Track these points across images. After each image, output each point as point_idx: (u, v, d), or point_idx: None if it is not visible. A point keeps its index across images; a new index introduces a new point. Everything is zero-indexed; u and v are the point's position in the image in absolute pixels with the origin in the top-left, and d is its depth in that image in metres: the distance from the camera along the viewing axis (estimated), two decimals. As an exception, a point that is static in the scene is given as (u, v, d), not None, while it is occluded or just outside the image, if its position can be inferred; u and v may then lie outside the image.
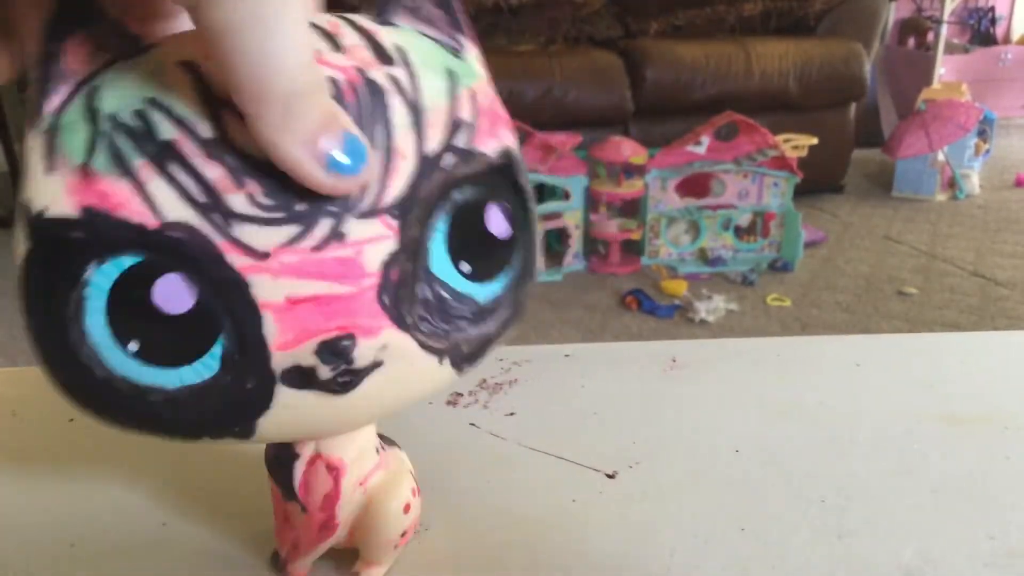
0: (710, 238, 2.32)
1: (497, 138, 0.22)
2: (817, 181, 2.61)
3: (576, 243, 2.29)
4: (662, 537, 0.31)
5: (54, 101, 0.20)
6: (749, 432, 0.38)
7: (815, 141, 2.38)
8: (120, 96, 0.19)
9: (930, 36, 3.64)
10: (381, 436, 0.29)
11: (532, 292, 0.25)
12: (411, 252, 0.21)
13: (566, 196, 2.24)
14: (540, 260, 0.25)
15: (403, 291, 0.21)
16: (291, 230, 0.19)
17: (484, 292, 0.23)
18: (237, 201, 0.19)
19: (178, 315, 0.19)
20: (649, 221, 2.29)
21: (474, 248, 0.23)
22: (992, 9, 4.38)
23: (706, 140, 2.21)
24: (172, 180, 0.19)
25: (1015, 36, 4.44)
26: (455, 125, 0.21)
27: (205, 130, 0.19)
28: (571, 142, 2.20)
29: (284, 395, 0.21)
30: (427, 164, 0.21)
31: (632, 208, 2.28)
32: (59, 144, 0.20)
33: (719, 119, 2.21)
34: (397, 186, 0.20)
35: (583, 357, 0.45)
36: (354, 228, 0.20)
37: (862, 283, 2.20)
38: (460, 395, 0.41)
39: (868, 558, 0.30)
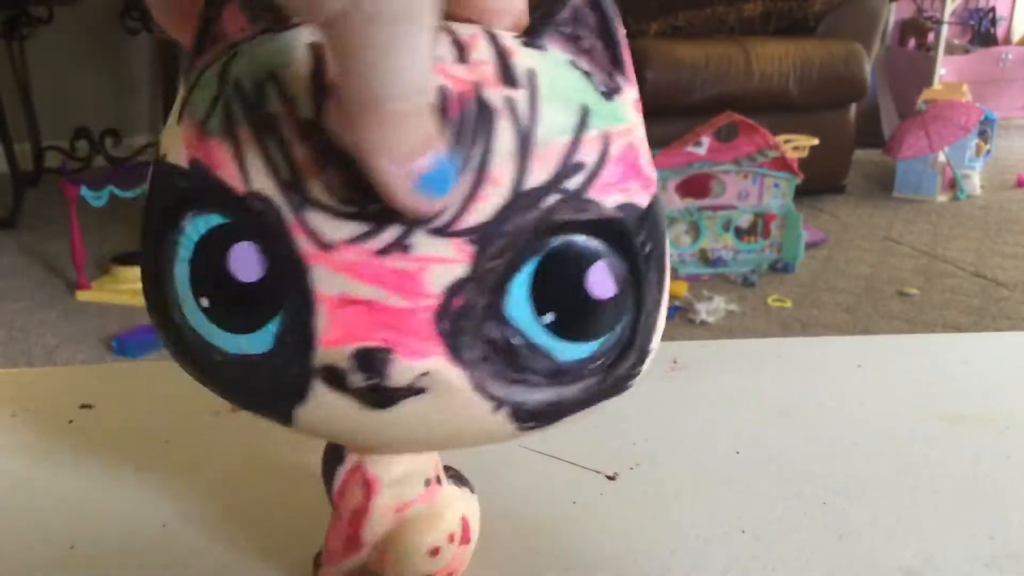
0: (710, 239, 2.32)
1: (624, 191, 0.21)
2: (818, 182, 2.61)
3: (576, 244, 2.28)
4: (662, 538, 0.31)
5: (204, 58, 0.21)
6: (750, 433, 0.38)
7: (815, 142, 2.38)
8: (249, 65, 0.20)
9: (930, 37, 3.64)
10: (452, 472, 0.27)
11: (639, 370, 0.23)
12: (485, 285, 0.20)
13: (566, 197, 2.24)
14: (657, 335, 0.23)
15: (466, 323, 0.20)
16: (358, 227, 0.19)
17: (568, 351, 0.21)
18: (315, 186, 0.19)
19: (246, 283, 0.20)
20: (649, 222, 2.28)
21: (564, 301, 0.21)
22: (992, 10, 4.38)
23: (706, 141, 2.21)
24: (265, 151, 0.19)
25: (1015, 37, 4.44)
26: (571, 166, 0.20)
27: (307, 110, 0.19)
28: (571, 143, 2.20)
29: (320, 392, 0.20)
30: (523, 199, 0.19)
31: (632, 209, 2.28)
32: (192, 98, 0.21)
33: (719, 120, 2.20)
34: (481, 212, 0.19)
35: (583, 358, 0.45)
36: (422, 243, 0.19)
37: (863, 284, 2.20)
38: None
39: (868, 558, 0.30)
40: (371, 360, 0.19)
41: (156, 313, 0.22)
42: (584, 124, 0.20)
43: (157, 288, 0.21)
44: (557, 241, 0.20)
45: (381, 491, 0.25)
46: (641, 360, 0.23)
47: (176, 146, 0.21)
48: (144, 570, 0.30)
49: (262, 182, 0.19)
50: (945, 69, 3.57)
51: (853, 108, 2.81)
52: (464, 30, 0.20)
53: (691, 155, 2.23)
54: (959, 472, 0.35)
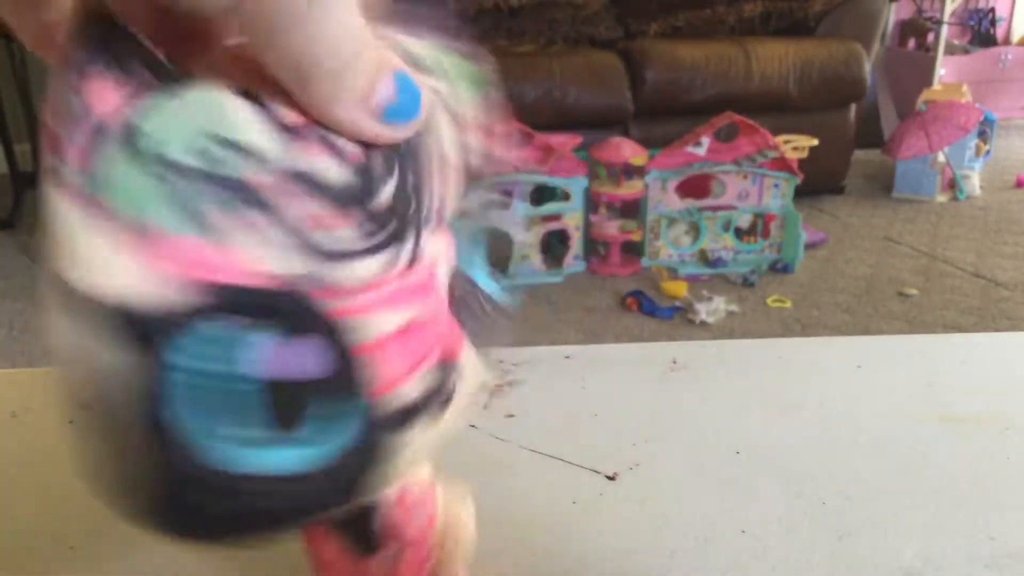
0: (710, 239, 2.32)
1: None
2: (817, 182, 2.61)
3: (576, 244, 2.28)
4: (662, 538, 0.31)
5: (77, 149, 0.16)
6: (749, 433, 0.38)
7: (815, 142, 2.38)
8: (168, 138, 0.16)
9: (930, 37, 3.64)
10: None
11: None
12: (455, 259, 0.21)
13: (566, 197, 2.24)
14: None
15: (458, 298, 0.21)
16: (383, 258, 0.18)
17: (492, 284, 0.23)
18: (327, 237, 0.17)
19: (270, 380, 0.17)
20: (649, 222, 2.29)
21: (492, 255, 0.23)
22: (992, 10, 4.38)
23: (706, 141, 2.21)
24: (251, 226, 0.16)
25: (1015, 37, 4.44)
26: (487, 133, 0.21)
27: (280, 162, 0.16)
28: (571, 143, 2.20)
29: (392, 441, 0.19)
30: (466, 172, 0.21)
31: (632, 209, 2.28)
32: (104, 204, 0.16)
33: (719, 120, 2.21)
34: (454, 198, 0.20)
35: (583, 358, 0.45)
36: (428, 245, 0.19)
37: (862, 284, 2.20)
38: (460, 396, 0.41)
39: (868, 558, 0.30)
40: (438, 381, 0.19)
41: (161, 482, 0.18)
42: (481, 94, 0.22)
43: (135, 457, 0.17)
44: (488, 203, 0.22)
45: (436, 487, 0.25)
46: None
47: (114, 270, 0.16)
48: (144, 570, 0.30)
49: (262, 261, 0.16)
50: (945, 69, 3.57)
51: (853, 108, 2.81)
52: None
53: (691, 155, 2.23)
54: (959, 472, 0.35)
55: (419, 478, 0.24)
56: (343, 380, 0.17)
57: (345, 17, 0.16)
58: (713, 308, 1.99)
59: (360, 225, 0.17)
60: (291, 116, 0.17)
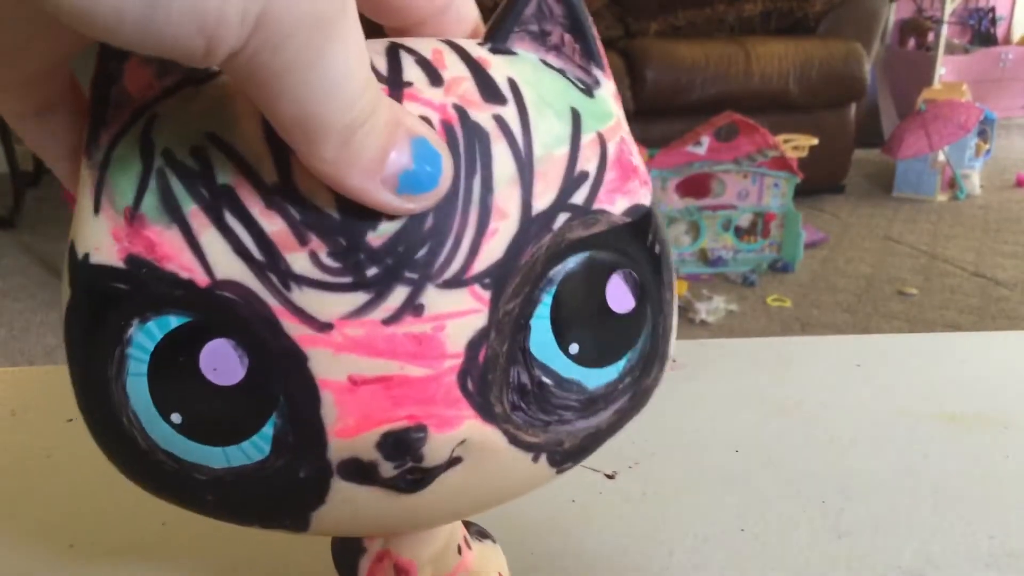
0: (710, 238, 2.32)
1: (628, 194, 0.19)
2: (817, 181, 2.61)
3: (576, 243, 2.28)
4: (662, 537, 0.31)
5: (110, 130, 0.17)
6: (749, 432, 0.38)
7: (815, 141, 2.38)
8: (178, 129, 0.17)
9: (930, 36, 3.64)
10: (475, 528, 0.25)
11: (661, 377, 0.21)
12: (506, 330, 0.17)
13: (566, 196, 2.24)
14: (674, 336, 0.21)
15: (492, 375, 0.18)
16: (359, 298, 0.16)
17: (597, 378, 0.19)
18: (298, 261, 0.16)
19: (227, 387, 0.17)
20: (649, 221, 2.29)
21: (587, 325, 0.18)
22: (992, 9, 4.38)
23: (706, 140, 2.21)
24: (227, 232, 0.16)
25: (1015, 36, 4.44)
26: (574, 178, 0.18)
27: (268, 174, 0.16)
28: (571, 143, 2.20)
29: (341, 489, 0.18)
30: (533, 225, 0.17)
31: (632, 208, 2.28)
32: (109, 181, 0.17)
33: (719, 119, 2.20)
34: (492, 251, 0.17)
35: (583, 357, 0.45)
36: (435, 300, 0.17)
37: (862, 283, 2.20)
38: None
39: (868, 558, 0.30)
40: (404, 443, 0.17)
41: (109, 444, 0.19)
42: (578, 129, 0.18)
43: (104, 415, 0.18)
44: (572, 262, 0.18)
45: (419, 573, 0.23)
46: (663, 367, 0.21)
47: (100, 242, 0.17)
48: (144, 570, 0.30)
49: (232, 269, 0.16)
50: (945, 69, 3.57)
51: (853, 108, 2.81)
52: (423, 45, 0.18)
53: (691, 155, 2.22)
54: (959, 472, 0.35)
55: (409, 551, 0.23)
56: (297, 407, 0.17)
57: (358, 67, 0.15)
58: (713, 307, 1.99)
59: (318, 261, 0.16)
60: None
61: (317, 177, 0.16)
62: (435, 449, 0.17)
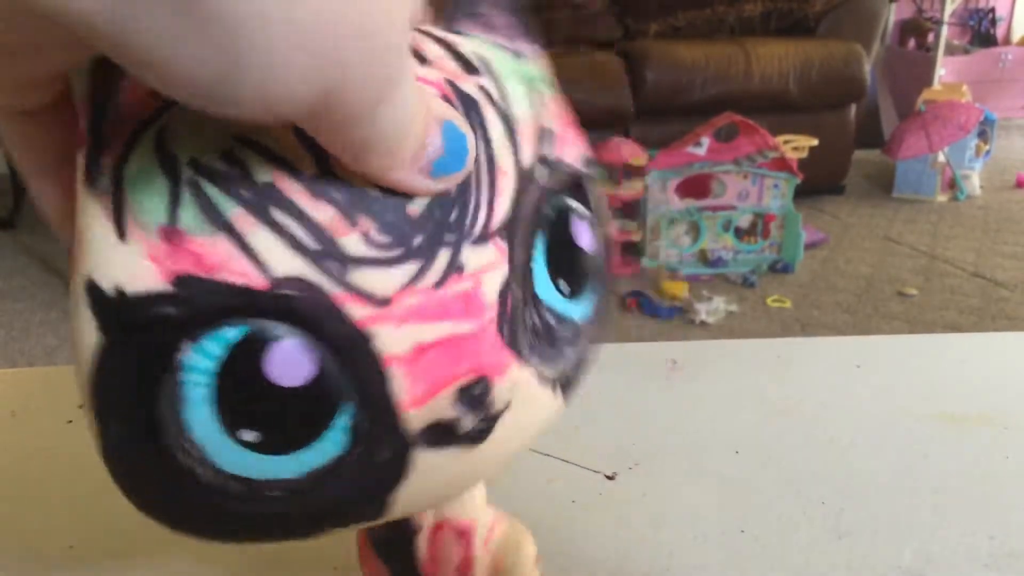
0: (710, 239, 2.32)
1: (576, 144, 0.21)
2: (817, 182, 2.61)
3: (576, 244, 2.28)
4: (662, 537, 0.31)
5: (114, 150, 0.16)
6: (749, 433, 0.38)
7: (815, 142, 2.38)
8: (200, 138, 0.16)
9: (930, 37, 3.64)
10: None
11: (609, 310, 0.23)
12: (518, 276, 0.19)
13: (566, 197, 2.24)
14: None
15: (517, 321, 0.19)
16: (411, 268, 0.17)
17: (580, 311, 0.21)
18: (351, 243, 0.16)
19: (296, 387, 0.16)
20: (649, 222, 2.29)
21: (569, 265, 0.21)
22: (992, 10, 4.38)
23: (706, 141, 2.21)
24: (277, 228, 0.16)
25: (1015, 37, 4.44)
26: (542, 135, 0.20)
27: (307, 166, 0.16)
28: (571, 143, 2.20)
29: (422, 459, 0.18)
30: (524, 179, 0.19)
31: (632, 209, 2.28)
32: (129, 202, 0.16)
33: (719, 120, 2.21)
34: (503, 205, 0.18)
35: (583, 358, 0.45)
36: (471, 256, 0.18)
37: (862, 284, 2.20)
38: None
39: (868, 558, 0.30)
40: (475, 396, 0.18)
41: (160, 495, 0.18)
42: (534, 92, 0.20)
43: (154, 464, 0.17)
44: (549, 210, 0.20)
45: (476, 533, 0.23)
46: (611, 300, 0.23)
47: (134, 270, 0.16)
48: (144, 570, 0.30)
49: (286, 264, 0.16)
50: (945, 69, 3.57)
51: (853, 108, 2.81)
52: None
53: (691, 155, 2.22)
54: (959, 472, 0.35)
55: (464, 512, 0.23)
56: (369, 390, 0.17)
57: (413, 90, 0.15)
58: (713, 308, 1.99)
59: (370, 239, 0.17)
60: None
61: (369, 178, 0.16)
62: (500, 395, 0.18)
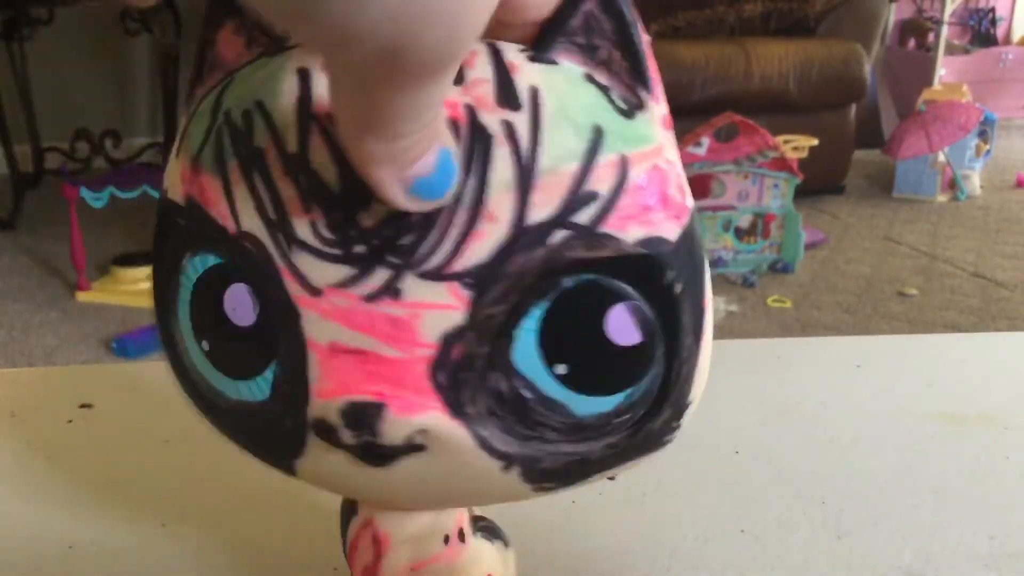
0: (710, 239, 2.32)
1: (647, 224, 0.18)
2: (817, 182, 2.61)
3: (576, 244, 2.28)
4: (662, 538, 0.31)
5: (204, 87, 0.20)
6: (749, 433, 0.38)
7: (815, 142, 2.38)
8: (240, 93, 0.19)
9: (930, 37, 3.64)
10: (484, 524, 0.25)
11: (677, 424, 0.21)
12: (487, 333, 0.18)
13: (566, 197, 2.24)
14: (699, 386, 0.21)
15: (467, 375, 0.18)
16: (345, 271, 0.17)
17: (587, 405, 0.19)
18: (301, 226, 0.17)
19: (241, 327, 0.19)
20: (649, 222, 2.29)
21: (580, 349, 0.18)
22: (992, 10, 4.38)
23: (706, 141, 2.21)
24: (252, 189, 0.18)
25: (1015, 37, 4.44)
26: (582, 197, 0.17)
27: (291, 143, 0.17)
28: (571, 143, 2.20)
29: (315, 445, 0.19)
30: (526, 236, 0.17)
31: (632, 209, 2.28)
32: (189, 131, 0.20)
33: (719, 120, 2.20)
34: (477, 252, 0.17)
35: (583, 358, 0.45)
36: (413, 288, 0.17)
37: (863, 284, 2.20)
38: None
39: (868, 558, 0.30)
40: (361, 415, 0.18)
41: (169, 354, 0.21)
42: (597, 147, 0.18)
43: (168, 329, 0.21)
44: (570, 282, 0.18)
45: (393, 549, 0.23)
46: (678, 415, 0.20)
47: (174, 181, 0.20)
48: (144, 570, 0.30)
49: (251, 222, 0.18)
50: (945, 69, 3.57)
51: (853, 108, 2.81)
52: None
53: (691, 155, 2.22)
54: (959, 472, 0.35)
55: (390, 526, 0.23)
56: (290, 358, 0.19)
57: (441, 96, 0.15)
58: (713, 308, 1.98)
59: (317, 231, 0.17)
60: (326, 107, 0.17)
61: (346, 156, 0.16)
62: (391, 429, 0.18)
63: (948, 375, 0.43)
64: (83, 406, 0.40)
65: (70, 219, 1.98)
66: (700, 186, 2.31)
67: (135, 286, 2.03)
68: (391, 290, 0.17)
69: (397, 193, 0.16)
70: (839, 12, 2.88)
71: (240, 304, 0.19)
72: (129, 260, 2.09)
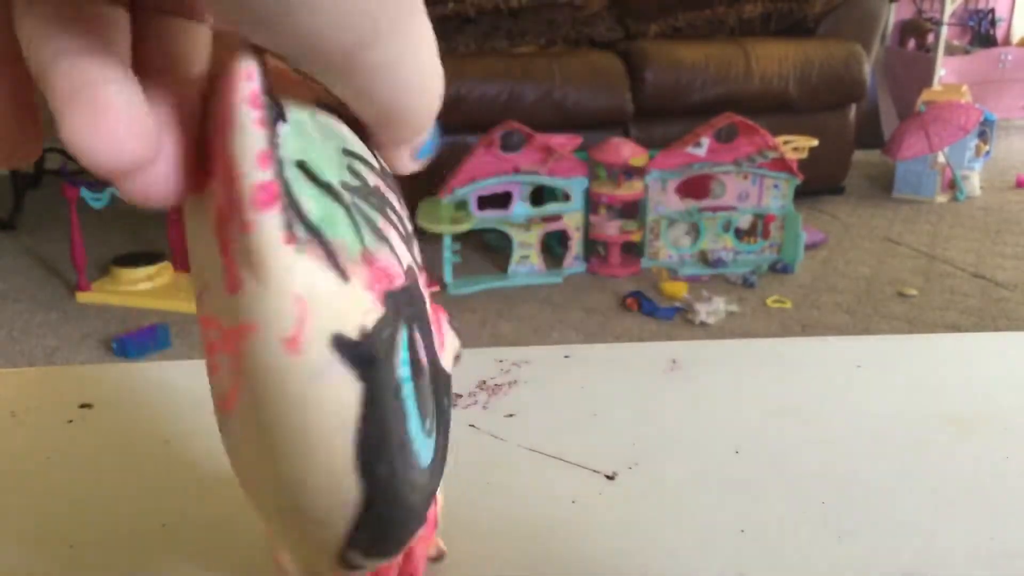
0: (710, 240, 2.32)
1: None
2: (817, 183, 2.61)
3: (576, 245, 2.28)
4: (662, 538, 0.31)
5: (285, 203, 0.15)
6: (749, 433, 0.38)
7: (815, 143, 2.38)
8: (327, 159, 0.16)
9: (930, 38, 3.65)
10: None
11: None
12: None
13: (566, 198, 2.24)
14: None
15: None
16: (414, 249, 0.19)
17: None
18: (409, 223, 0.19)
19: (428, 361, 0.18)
20: (649, 223, 2.29)
21: None
22: (992, 11, 4.38)
23: (706, 142, 2.21)
24: (393, 224, 0.17)
25: (1015, 38, 4.45)
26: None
27: (374, 161, 0.19)
28: (571, 144, 2.20)
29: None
30: None
31: (632, 210, 2.28)
32: (333, 242, 0.15)
33: (719, 120, 2.21)
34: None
35: (583, 358, 0.45)
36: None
37: (862, 284, 2.20)
38: (460, 396, 0.41)
39: (868, 558, 0.30)
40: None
41: (411, 504, 0.18)
42: None
43: (416, 483, 0.17)
44: None
45: None
46: None
47: (363, 303, 0.15)
48: (144, 570, 0.30)
49: (405, 253, 0.18)
50: (945, 70, 3.57)
51: (853, 109, 2.81)
52: None
53: (691, 156, 2.23)
54: (959, 472, 0.35)
55: None
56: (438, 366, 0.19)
57: (432, 59, 0.18)
58: (713, 309, 1.99)
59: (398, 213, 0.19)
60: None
61: (383, 154, 0.19)
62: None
63: (948, 375, 0.43)
64: (83, 406, 0.40)
65: (70, 219, 1.98)
66: (700, 187, 2.31)
67: (135, 286, 2.04)
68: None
69: (412, 164, 0.20)
70: (839, 13, 2.88)
71: (424, 344, 0.19)
72: (129, 260, 2.09)
